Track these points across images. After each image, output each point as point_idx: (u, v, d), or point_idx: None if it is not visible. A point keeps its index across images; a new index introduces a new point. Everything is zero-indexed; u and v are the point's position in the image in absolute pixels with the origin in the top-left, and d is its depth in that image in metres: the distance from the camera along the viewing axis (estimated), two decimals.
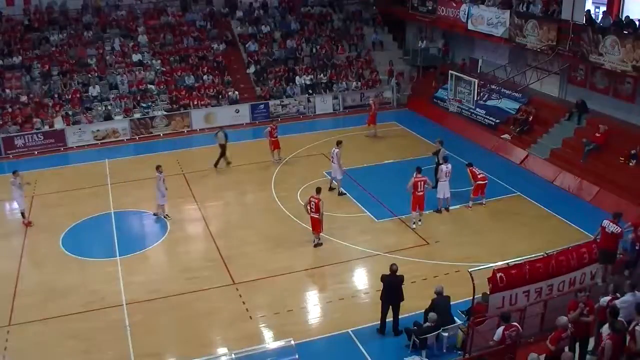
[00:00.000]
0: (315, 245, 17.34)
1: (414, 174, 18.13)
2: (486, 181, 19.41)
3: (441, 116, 28.29)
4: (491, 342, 11.20)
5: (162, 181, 19.11)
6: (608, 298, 11.44)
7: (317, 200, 16.88)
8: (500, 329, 11.19)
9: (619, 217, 13.88)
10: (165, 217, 19.42)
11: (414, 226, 18.32)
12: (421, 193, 18.07)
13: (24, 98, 27.42)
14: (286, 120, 28.79)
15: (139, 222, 19.81)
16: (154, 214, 19.55)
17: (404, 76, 32.36)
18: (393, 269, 13.25)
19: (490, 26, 25.76)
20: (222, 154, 23.42)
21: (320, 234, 17.36)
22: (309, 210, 17.04)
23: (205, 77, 30.15)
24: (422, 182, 18.02)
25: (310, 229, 17.36)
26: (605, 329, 10.65)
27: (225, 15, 34.26)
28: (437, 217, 19.10)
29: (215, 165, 23.38)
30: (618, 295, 11.51)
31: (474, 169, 19.40)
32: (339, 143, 20.71)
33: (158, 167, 19.35)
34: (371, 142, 24.99)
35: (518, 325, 11.51)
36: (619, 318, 10.48)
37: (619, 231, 13.46)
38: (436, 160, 20.10)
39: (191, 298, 15.15)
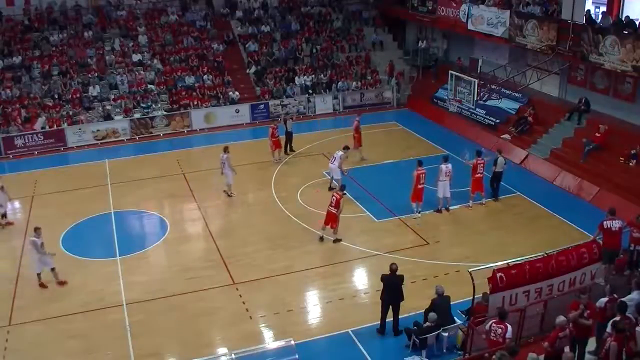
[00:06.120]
0: (321, 239, 17.48)
1: (416, 167, 18.48)
2: (482, 175, 19.31)
3: (441, 116, 28.32)
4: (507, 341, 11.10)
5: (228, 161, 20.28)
6: (606, 299, 11.44)
7: (338, 196, 17.12)
8: (510, 327, 11.13)
9: (615, 212, 14.01)
10: (230, 195, 20.81)
11: (414, 217, 18.64)
12: (422, 186, 18.50)
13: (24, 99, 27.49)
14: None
15: (139, 222, 19.81)
16: (229, 195, 20.79)
17: (404, 76, 32.38)
18: (393, 268, 13.25)
19: (490, 26, 25.75)
20: (289, 141, 24.78)
21: (325, 229, 17.47)
22: (329, 204, 17.24)
23: (205, 77, 30.16)
24: (423, 175, 18.47)
25: (316, 228, 17.35)
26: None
27: (225, 15, 34.29)
28: (437, 217, 19.11)
29: (290, 150, 24.85)
30: (615, 295, 11.50)
31: (480, 160, 19.22)
32: (345, 148, 20.75)
33: (225, 149, 20.59)
34: (371, 142, 24.91)
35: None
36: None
37: (621, 225, 13.62)
38: (493, 168, 19.74)
39: (191, 298, 15.14)
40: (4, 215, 19.41)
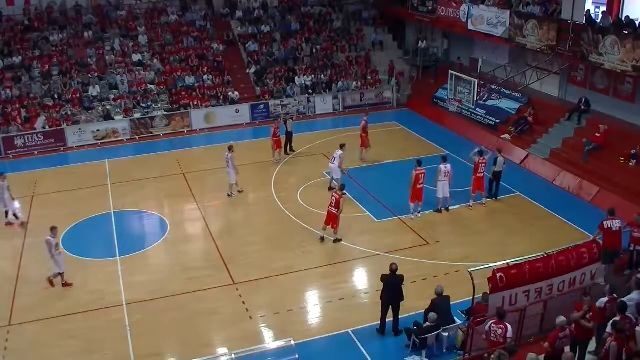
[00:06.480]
0: (321, 239, 17.48)
1: (415, 167, 18.45)
2: (483, 174, 19.33)
3: (441, 116, 28.32)
4: (509, 340, 11.08)
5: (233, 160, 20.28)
6: (606, 299, 11.45)
7: (338, 197, 17.10)
8: (510, 327, 11.11)
9: (614, 212, 14.01)
10: (231, 195, 20.80)
11: (412, 217, 18.64)
12: (421, 186, 18.51)
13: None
14: None
15: (139, 222, 19.81)
16: (229, 195, 20.68)
17: (404, 76, 32.38)
18: (393, 268, 13.25)
19: (490, 26, 25.77)
20: (289, 141, 24.79)
21: (326, 230, 17.46)
22: (329, 205, 17.22)
23: (205, 77, 30.16)
24: (423, 175, 18.45)
25: (316, 228, 17.34)
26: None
27: (225, 15, 34.30)
28: (437, 217, 19.11)
29: (290, 150, 24.82)
30: (615, 295, 11.51)
31: (481, 159, 19.23)
32: (342, 146, 20.77)
33: (230, 148, 20.55)
34: (371, 142, 24.87)
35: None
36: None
37: (621, 225, 13.64)
38: (493, 168, 19.79)
39: (191, 298, 15.15)
40: (16, 215, 19.53)
